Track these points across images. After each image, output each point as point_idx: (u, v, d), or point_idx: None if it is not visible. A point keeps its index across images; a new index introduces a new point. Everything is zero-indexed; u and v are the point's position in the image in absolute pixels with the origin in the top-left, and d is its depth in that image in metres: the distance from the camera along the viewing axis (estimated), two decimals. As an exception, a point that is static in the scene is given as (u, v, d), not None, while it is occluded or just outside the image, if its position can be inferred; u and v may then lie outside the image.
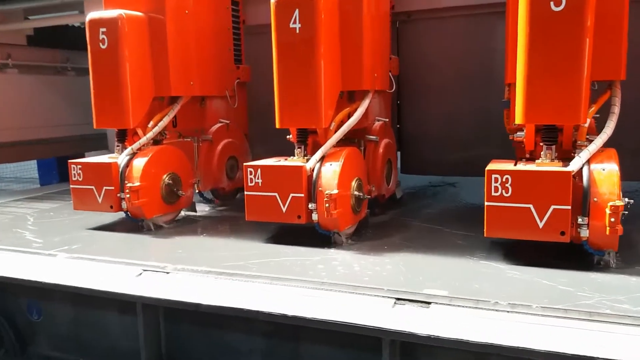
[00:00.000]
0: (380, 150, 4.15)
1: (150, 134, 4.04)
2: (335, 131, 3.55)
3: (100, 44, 3.89)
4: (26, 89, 6.59)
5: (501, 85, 3.89)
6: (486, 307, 2.42)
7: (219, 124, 4.76)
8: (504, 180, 2.90)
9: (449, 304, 2.47)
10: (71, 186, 4.04)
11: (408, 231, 3.89)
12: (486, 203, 2.94)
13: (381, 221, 4.14)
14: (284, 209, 3.41)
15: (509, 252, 3.19)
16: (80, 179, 4.00)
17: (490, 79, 4.74)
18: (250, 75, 5.21)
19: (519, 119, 2.97)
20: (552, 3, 2.78)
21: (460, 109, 4.97)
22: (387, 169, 4.29)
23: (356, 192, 3.51)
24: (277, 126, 3.54)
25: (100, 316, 3.06)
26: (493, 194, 2.92)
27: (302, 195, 3.35)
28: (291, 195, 3.38)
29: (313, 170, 3.38)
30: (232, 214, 4.57)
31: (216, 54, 4.69)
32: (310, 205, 3.34)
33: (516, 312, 2.36)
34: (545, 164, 2.96)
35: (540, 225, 2.84)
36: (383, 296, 2.58)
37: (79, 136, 6.93)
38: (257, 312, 2.52)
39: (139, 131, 4.10)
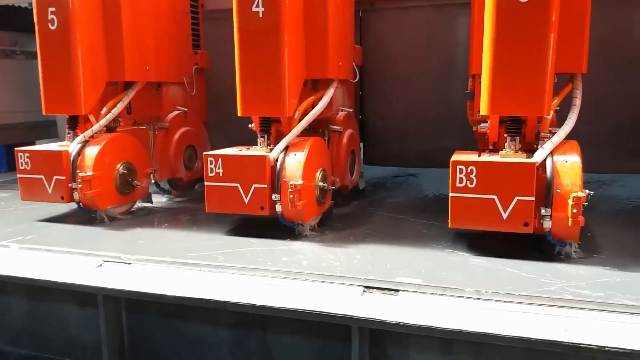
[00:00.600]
0: (344, 140, 4.09)
1: (103, 121, 3.84)
2: (299, 120, 3.47)
3: (50, 25, 3.66)
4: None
5: (464, 77, 3.90)
6: (453, 295, 2.45)
7: (176, 112, 4.59)
8: (468, 171, 2.90)
9: (416, 292, 2.49)
10: (18, 175, 3.80)
11: (373, 221, 3.87)
12: (451, 194, 2.93)
13: (345, 212, 4.09)
14: (246, 200, 3.31)
15: (474, 241, 3.21)
16: (28, 168, 3.76)
17: (453, 71, 4.77)
18: (209, 61, 5.05)
19: (483, 110, 2.96)
20: (518, -5, 2.78)
21: (422, 101, 4.98)
22: (350, 160, 4.24)
23: (321, 183, 3.44)
24: (239, 114, 3.42)
25: (58, 309, 2.93)
26: (458, 184, 2.92)
27: (266, 186, 3.25)
28: (254, 186, 3.28)
29: (277, 160, 3.29)
30: (191, 205, 4.41)
31: (173, 39, 4.52)
32: (273, 196, 3.25)
33: (482, 298, 2.40)
34: (510, 155, 2.97)
35: (505, 216, 2.86)
36: (351, 284, 2.58)
37: (30, 123, 6.57)
38: (224, 302, 2.48)
39: (92, 118, 3.89)
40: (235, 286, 2.62)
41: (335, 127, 4.01)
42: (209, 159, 3.35)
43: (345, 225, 3.71)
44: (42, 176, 3.73)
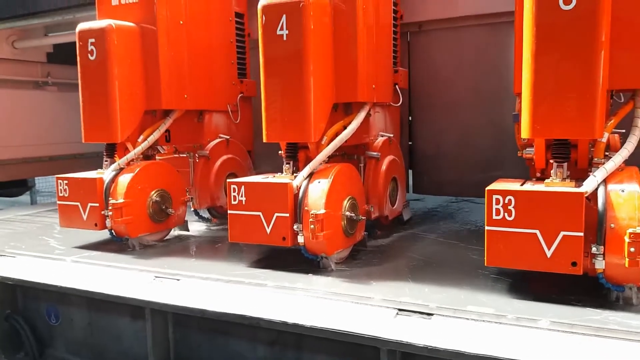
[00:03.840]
0: (383, 167, 3.84)
1: (138, 149, 3.85)
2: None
3: (89, 55, 3.76)
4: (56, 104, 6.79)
5: None
6: (490, 320, 2.33)
7: (218, 140, 4.54)
8: (506, 201, 2.55)
9: (451, 316, 2.39)
10: (58, 202, 3.88)
11: (415, 250, 3.62)
12: (487, 227, 2.59)
13: (383, 244, 3.79)
14: (268, 230, 3.13)
15: (526, 271, 2.82)
16: (66, 195, 3.84)
17: (508, 94, 4.36)
18: (256, 89, 5.00)
19: (525, 132, 2.62)
20: (561, 1, 2.45)
21: (476, 126, 4.61)
22: (391, 188, 3.97)
23: (348, 213, 3.20)
24: (265, 140, 3.29)
25: (113, 321, 3.25)
26: (494, 217, 2.57)
27: (287, 215, 3.06)
28: (276, 214, 3.10)
29: (300, 188, 3.10)
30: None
31: (216, 68, 4.51)
32: (295, 227, 3.05)
33: (522, 325, 2.27)
34: (555, 184, 2.59)
35: (549, 254, 2.47)
36: (386, 307, 2.53)
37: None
38: (258, 319, 2.58)
39: (129, 146, 3.93)
40: (271, 304, 2.68)
41: (372, 153, 3.77)
42: (232, 186, 3.23)
43: (381, 257, 3.43)
44: (78, 203, 3.78)
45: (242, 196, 3.21)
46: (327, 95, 3.26)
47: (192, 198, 4.30)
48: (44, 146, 7.20)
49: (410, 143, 4.90)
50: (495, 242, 2.58)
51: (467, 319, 2.35)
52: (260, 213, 3.15)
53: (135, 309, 3.07)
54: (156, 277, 3.14)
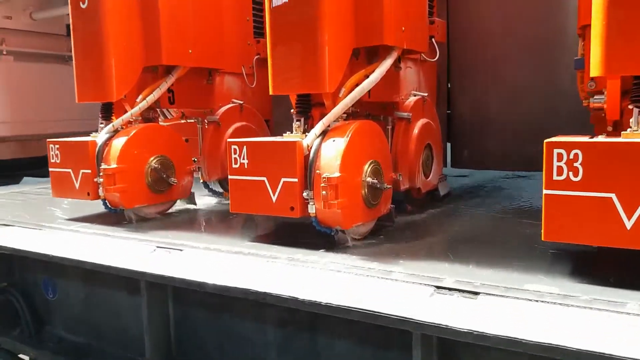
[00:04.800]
0: (415, 131, 3.27)
1: (136, 109, 3.41)
2: (346, 99, 2.73)
3: (81, 3, 3.33)
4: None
5: (577, 53, 2.90)
6: (555, 302, 1.82)
7: (231, 105, 4.06)
8: (571, 157, 1.96)
9: (504, 295, 1.91)
10: (50, 169, 3.49)
11: (456, 226, 3.10)
12: (545, 191, 2.01)
13: (415, 220, 3.23)
14: (274, 198, 2.63)
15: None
16: (57, 161, 3.44)
17: (564, 46, 3.73)
18: (275, 51, 4.50)
19: (595, 70, 2.01)
20: None
21: (526, 87, 3.98)
22: (424, 157, 3.40)
23: (370, 179, 2.65)
24: (270, 92, 2.78)
25: (111, 297, 2.92)
26: (555, 177, 1.99)
27: (296, 180, 2.55)
28: (282, 180, 2.59)
29: (311, 148, 2.58)
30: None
31: (228, 23, 4.01)
32: (304, 194, 2.54)
33: (600, 309, 1.75)
34: (637, 135, 1.98)
35: (628, 225, 1.87)
36: (419, 283, 2.07)
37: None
38: (265, 294, 2.12)
39: (128, 108, 3.49)
40: (281, 278, 2.23)
41: (402, 113, 3.21)
42: (232, 146, 2.74)
43: (413, 234, 2.89)
44: (70, 170, 3.38)
45: (243, 158, 2.72)
46: (346, 37, 2.71)
47: (199, 168, 3.84)
48: (68, 122, 6.94)
49: (448, 112, 4.31)
50: (555, 209, 2.00)
51: (524, 299, 1.86)
52: (264, 178, 2.65)
53: (131, 282, 2.67)
54: (158, 247, 2.76)
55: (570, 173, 1.96)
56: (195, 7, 3.64)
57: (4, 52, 6.54)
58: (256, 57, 4.33)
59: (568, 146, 1.95)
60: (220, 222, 3.50)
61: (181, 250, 2.69)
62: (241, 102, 4.12)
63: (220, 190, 4.18)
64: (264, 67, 4.43)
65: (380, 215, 2.86)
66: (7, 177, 6.85)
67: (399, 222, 3.08)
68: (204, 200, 4.04)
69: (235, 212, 2.82)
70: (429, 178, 3.51)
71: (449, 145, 4.35)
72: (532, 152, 4.00)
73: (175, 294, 2.68)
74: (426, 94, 3.45)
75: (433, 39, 3.62)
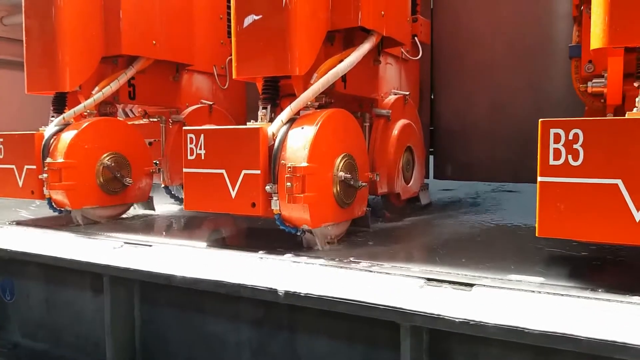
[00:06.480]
0: (395, 131, 3.01)
1: (90, 100, 3.10)
2: (319, 86, 2.45)
3: (33, -16, 3.06)
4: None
5: (567, 59, 2.68)
6: (551, 292, 1.68)
7: (199, 105, 3.77)
8: (570, 138, 1.69)
9: (501, 287, 1.74)
10: (-8, 166, 3.15)
11: (441, 231, 2.85)
12: (539, 178, 1.74)
13: (393, 227, 2.93)
14: (233, 194, 2.32)
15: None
16: (1, 156, 3.11)
17: (552, 49, 3.53)
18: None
19: (596, 41, 1.77)
20: None
21: (513, 92, 3.76)
22: (405, 160, 3.13)
23: (342, 174, 2.36)
24: (234, 76, 2.50)
25: (72, 296, 2.55)
26: (552, 161, 1.71)
27: (259, 172, 2.25)
28: (243, 172, 2.29)
29: (276, 137, 2.29)
30: (200, 214, 3.50)
31: (199, 18, 3.76)
32: (267, 187, 2.23)
33: (604, 300, 1.59)
34: (646, 114, 1.73)
35: (637, 217, 1.60)
36: (408, 275, 1.89)
37: None
38: (239, 285, 1.88)
39: (83, 100, 3.18)
40: (257, 270, 2.02)
41: (381, 110, 2.95)
42: (188, 135, 2.44)
43: (392, 239, 2.61)
44: (13, 166, 3.04)
45: (200, 149, 2.41)
46: (319, 16, 2.46)
47: (160, 171, 3.52)
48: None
49: (431, 117, 4.07)
50: (551, 200, 1.72)
51: (525, 290, 1.70)
52: (223, 171, 2.35)
53: (95, 280, 2.36)
54: (125, 242, 2.52)
55: (569, 157, 1.69)
56: (161, -5, 3.38)
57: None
58: (229, 58, 4.07)
59: (567, 125, 1.69)
60: (183, 229, 3.14)
61: (150, 245, 2.41)
62: (211, 103, 3.83)
63: (181, 196, 3.85)
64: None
65: (354, 217, 2.56)
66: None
67: (376, 229, 2.78)
68: (165, 207, 3.70)
69: (190, 210, 2.50)
70: (410, 184, 3.23)
71: (431, 154, 4.10)
72: (518, 161, 3.79)
73: (142, 292, 2.36)
74: (408, 93, 3.21)
75: (416, 38, 3.41)
